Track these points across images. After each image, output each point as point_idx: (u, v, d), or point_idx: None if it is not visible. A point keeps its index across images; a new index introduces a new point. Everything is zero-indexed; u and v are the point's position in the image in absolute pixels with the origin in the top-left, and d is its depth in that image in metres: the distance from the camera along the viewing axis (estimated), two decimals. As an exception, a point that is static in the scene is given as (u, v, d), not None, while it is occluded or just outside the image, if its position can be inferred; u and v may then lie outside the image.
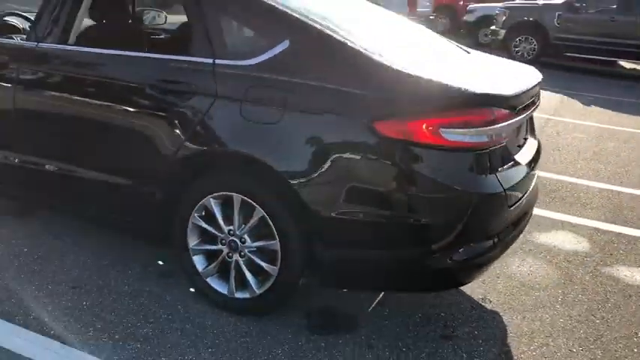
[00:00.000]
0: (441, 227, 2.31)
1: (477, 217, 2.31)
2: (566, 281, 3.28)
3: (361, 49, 2.42)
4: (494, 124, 2.28)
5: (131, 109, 2.71)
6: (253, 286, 2.59)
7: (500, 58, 3.37)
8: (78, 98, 2.84)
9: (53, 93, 2.94)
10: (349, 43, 2.44)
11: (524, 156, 2.75)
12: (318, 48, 2.48)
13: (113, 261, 3.06)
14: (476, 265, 2.46)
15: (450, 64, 2.89)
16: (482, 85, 2.38)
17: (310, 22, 2.52)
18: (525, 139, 2.95)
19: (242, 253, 2.58)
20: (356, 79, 2.35)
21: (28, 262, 3.00)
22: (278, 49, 2.47)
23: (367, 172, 2.32)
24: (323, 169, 2.32)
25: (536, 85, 2.78)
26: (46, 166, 3.00)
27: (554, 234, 3.93)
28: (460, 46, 3.38)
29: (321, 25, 2.52)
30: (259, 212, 2.48)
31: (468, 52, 3.28)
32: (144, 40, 3.80)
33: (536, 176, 3.00)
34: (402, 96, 2.29)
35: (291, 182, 2.36)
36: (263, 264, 2.54)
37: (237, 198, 2.51)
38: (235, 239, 2.58)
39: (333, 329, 2.64)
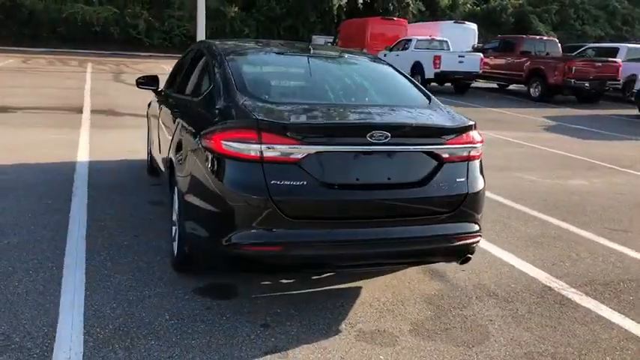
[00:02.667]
0: (219, 215, 3.09)
1: (240, 211, 3.00)
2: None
3: (236, 90, 3.38)
4: (260, 144, 2.91)
5: (176, 121, 4.23)
6: (175, 249, 3.72)
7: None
8: (172, 117, 4.53)
9: (165, 114, 4.74)
10: (234, 86, 3.43)
11: (366, 190, 3.12)
12: (217, 88, 3.56)
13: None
14: (254, 255, 3.07)
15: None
16: (276, 115, 3.02)
17: (229, 72, 3.60)
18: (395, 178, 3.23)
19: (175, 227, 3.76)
20: (217, 108, 3.40)
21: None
22: (209, 90, 3.67)
23: (197, 170, 3.28)
24: (185, 166, 3.40)
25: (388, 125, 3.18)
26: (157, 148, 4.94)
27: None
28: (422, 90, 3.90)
29: (233, 73, 3.56)
30: (178, 197, 3.63)
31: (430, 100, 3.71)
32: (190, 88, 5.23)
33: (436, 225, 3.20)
34: (217, 118, 3.24)
35: (177, 174, 3.47)
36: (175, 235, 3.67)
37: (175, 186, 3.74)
38: (175, 216, 3.77)
39: (212, 295, 3.52)
